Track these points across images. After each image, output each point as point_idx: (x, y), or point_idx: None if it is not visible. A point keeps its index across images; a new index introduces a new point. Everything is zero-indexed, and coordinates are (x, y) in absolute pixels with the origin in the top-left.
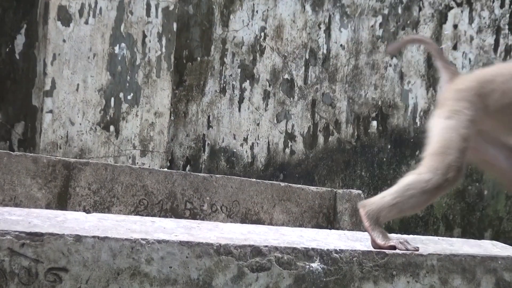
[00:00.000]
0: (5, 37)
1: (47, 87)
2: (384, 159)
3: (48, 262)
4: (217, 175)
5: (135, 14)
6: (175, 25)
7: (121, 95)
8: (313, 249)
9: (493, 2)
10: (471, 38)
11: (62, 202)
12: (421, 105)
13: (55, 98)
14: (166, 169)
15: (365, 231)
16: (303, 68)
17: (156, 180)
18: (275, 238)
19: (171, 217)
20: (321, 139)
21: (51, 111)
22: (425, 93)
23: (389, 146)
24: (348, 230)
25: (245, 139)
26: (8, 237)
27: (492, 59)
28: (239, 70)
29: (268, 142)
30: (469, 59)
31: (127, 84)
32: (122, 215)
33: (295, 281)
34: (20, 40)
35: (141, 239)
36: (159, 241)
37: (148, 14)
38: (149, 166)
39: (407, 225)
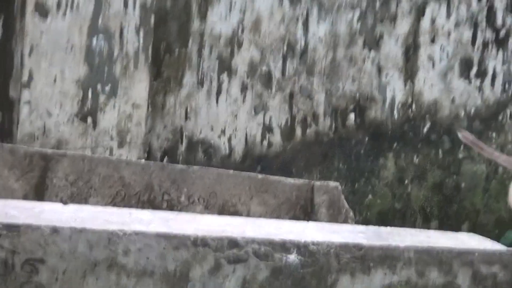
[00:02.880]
0: None
1: (25, 79)
2: (362, 152)
3: (25, 253)
4: (194, 167)
5: (113, 7)
6: (152, 18)
7: (99, 86)
8: (290, 241)
9: None
10: (449, 32)
11: (39, 193)
12: (398, 98)
13: (33, 89)
14: (143, 161)
15: (342, 223)
16: (281, 61)
17: (134, 172)
18: (252, 230)
19: (148, 208)
20: (298, 131)
21: (28, 103)
22: (403, 86)
23: (366, 139)
24: (325, 222)
25: (223, 131)
26: None
27: (470, 52)
28: (217, 62)
29: (246, 134)
30: (447, 52)
31: (105, 76)
32: (99, 206)
33: (272, 272)
34: None
35: (118, 230)
36: (136, 233)
37: (125, 7)
38: (127, 158)
39: (384, 217)
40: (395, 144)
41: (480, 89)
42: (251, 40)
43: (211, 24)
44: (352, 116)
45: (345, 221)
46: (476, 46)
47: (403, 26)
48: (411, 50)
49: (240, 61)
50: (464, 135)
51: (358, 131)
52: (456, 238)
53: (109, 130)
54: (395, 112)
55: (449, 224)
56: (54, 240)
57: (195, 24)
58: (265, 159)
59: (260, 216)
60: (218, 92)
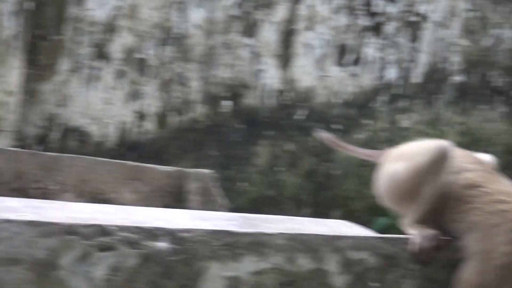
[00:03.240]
0: None
1: None
2: (236, 139)
3: None
4: (66, 154)
5: None
6: (29, 4)
7: None
8: (160, 228)
9: None
10: (326, 19)
11: None
12: (274, 85)
13: None
14: (13, 148)
15: (214, 210)
16: (157, 47)
17: (3, 159)
18: (123, 218)
19: (19, 196)
20: (173, 118)
21: None
22: (279, 73)
23: (241, 126)
24: (197, 209)
25: (97, 118)
26: None
27: (346, 39)
28: (93, 49)
29: (120, 121)
30: (323, 39)
31: None
32: None
33: (142, 260)
34: None
35: None
36: (5, 221)
37: None
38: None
39: (257, 205)
40: (269, 132)
41: (355, 76)
42: (128, 27)
43: (88, 10)
44: (227, 103)
45: (217, 208)
46: (352, 33)
47: (280, 12)
48: (287, 37)
49: (116, 48)
50: (323, 135)
51: (233, 118)
52: (326, 224)
53: None
54: (271, 99)
55: (321, 211)
56: None
57: (71, 10)
58: (139, 146)
59: (132, 203)
60: (93, 79)
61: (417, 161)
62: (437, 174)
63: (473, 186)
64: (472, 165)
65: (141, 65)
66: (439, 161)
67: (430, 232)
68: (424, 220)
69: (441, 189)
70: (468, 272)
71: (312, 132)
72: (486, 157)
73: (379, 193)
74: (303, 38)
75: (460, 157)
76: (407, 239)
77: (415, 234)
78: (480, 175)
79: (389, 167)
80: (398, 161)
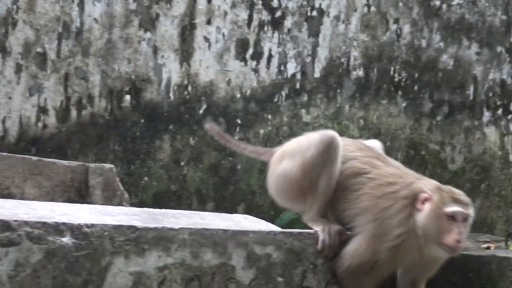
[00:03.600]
0: None
1: None
2: (138, 133)
3: None
4: None
5: None
6: None
7: None
8: (63, 223)
9: None
10: (225, 13)
11: None
12: (174, 79)
13: None
14: None
15: (118, 205)
16: (56, 41)
17: None
18: (25, 213)
19: None
20: (74, 113)
21: None
22: (179, 68)
23: (142, 120)
24: (100, 204)
25: None
26: None
27: (246, 34)
28: None
29: (20, 116)
30: (223, 34)
31: None
32: None
33: (46, 255)
34: None
35: None
36: None
37: None
38: None
39: (160, 199)
40: (171, 126)
41: (256, 70)
42: (26, 20)
43: None
44: (127, 97)
45: (120, 203)
46: (252, 28)
47: (179, 6)
48: (187, 31)
49: (15, 42)
50: (210, 126)
51: (134, 113)
52: (231, 219)
53: None
54: (171, 93)
55: (225, 205)
56: None
57: None
58: (40, 141)
59: (34, 198)
60: None
61: (305, 156)
62: (327, 165)
63: (359, 173)
64: (357, 152)
65: (41, 59)
66: (327, 152)
67: (333, 227)
68: (324, 214)
69: (333, 179)
70: (359, 250)
71: (216, 124)
72: (373, 143)
73: (273, 193)
74: (202, 32)
75: (346, 145)
76: (311, 234)
77: (319, 230)
78: (365, 162)
79: (278, 167)
80: (286, 159)
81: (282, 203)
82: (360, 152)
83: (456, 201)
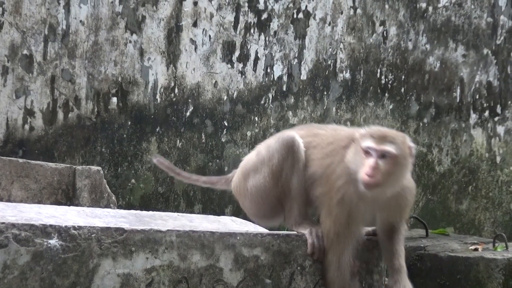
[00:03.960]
0: None
1: None
2: (124, 136)
3: None
4: None
5: None
6: None
7: None
8: (51, 225)
9: None
10: (211, 15)
11: None
12: (161, 81)
13: None
14: None
15: (105, 207)
16: (42, 44)
17: None
18: (12, 215)
19: None
20: (60, 115)
21: None
22: (165, 70)
23: (129, 123)
24: (87, 206)
25: None
26: None
27: (232, 36)
28: None
29: (7, 118)
30: (209, 36)
31: None
32: None
33: (33, 257)
34: None
35: None
36: None
37: None
38: None
39: (147, 202)
40: (158, 128)
41: (242, 73)
42: (12, 23)
43: None
44: (114, 100)
45: (107, 205)
46: (238, 30)
47: (166, 9)
48: (173, 34)
49: (1, 44)
50: (158, 160)
51: (121, 115)
52: (218, 221)
53: None
54: (158, 96)
55: (212, 207)
56: None
57: None
58: (27, 143)
59: (21, 201)
60: None
61: (272, 164)
62: (296, 165)
63: (308, 148)
64: (301, 131)
65: (27, 62)
66: (292, 152)
67: (320, 228)
68: (306, 215)
69: (302, 177)
70: (322, 218)
71: (203, 126)
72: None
73: (251, 215)
74: (189, 34)
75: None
76: (299, 235)
77: (306, 233)
78: (308, 136)
79: (246, 187)
80: (252, 176)
81: (263, 222)
82: (302, 131)
83: (373, 137)
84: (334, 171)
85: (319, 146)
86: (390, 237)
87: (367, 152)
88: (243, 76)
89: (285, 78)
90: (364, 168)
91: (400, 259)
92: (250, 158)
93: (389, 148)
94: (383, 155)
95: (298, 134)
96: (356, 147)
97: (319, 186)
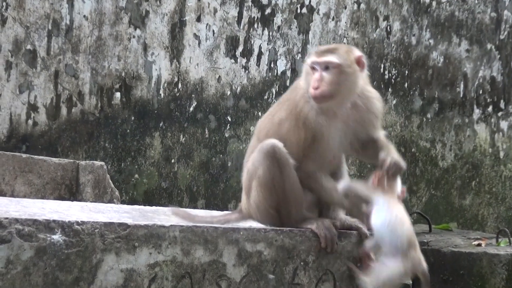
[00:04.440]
0: None
1: None
2: (128, 131)
3: None
4: None
5: None
6: None
7: None
8: (54, 221)
9: None
10: (215, 10)
11: None
12: (164, 76)
13: None
14: None
15: (108, 202)
16: (46, 39)
17: None
18: (16, 210)
19: None
20: (64, 110)
21: None
22: (169, 65)
23: (132, 118)
24: (90, 201)
25: None
26: None
27: (236, 31)
28: None
29: (11, 113)
30: (213, 31)
31: None
32: None
33: (37, 253)
34: None
35: None
36: None
37: None
38: None
39: (151, 197)
40: (161, 123)
41: (246, 68)
42: (16, 18)
43: None
44: (118, 95)
45: (110, 200)
46: (242, 25)
47: (169, 4)
48: (177, 29)
49: (4, 39)
50: (174, 211)
51: (124, 110)
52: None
53: None
54: (161, 91)
55: (215, 203)
56: None
57: None
58: (30, 138)
59: (24, 196)
60: None
61: (259, 177)
62: (285, 168)
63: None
64: (264, 122)
65: (31, 57)
66: (276, 159)
67: (325, 221)
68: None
69: (295, 176)
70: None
71: (206, 121)
72: None
73: (267, 224)
74: (192, 29)
75: None
76: (302, 231)
77: (314, 228)
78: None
79: (250, 206)
80: (248, 195)
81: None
82: (264, 122)
83: (316, 52)
84: (294, 104)
85: (277, 113)
86: (374, 146)
87: (313, 68)
88: (247, 71)
89: (288, 73)
90: (311, 83)
91: (386, 144)
92: (243, 176)
93: (330, 58)
94: (326, 66)
95: (265, 128)
96: (305, 69)
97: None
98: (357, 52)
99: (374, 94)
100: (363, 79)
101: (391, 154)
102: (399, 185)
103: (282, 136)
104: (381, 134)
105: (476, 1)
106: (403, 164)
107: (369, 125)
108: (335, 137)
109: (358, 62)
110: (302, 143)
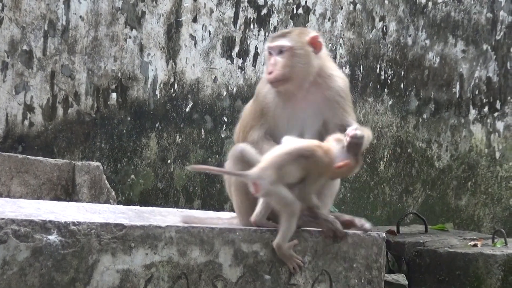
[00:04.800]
0: None
1: None
2: (124, 131)
3: None
4: None
5: None
6: None
7: None
8: (50, 221)
9: None
10: (211, 11)
11: None
12: (161, 77)
13: None
14: None
15: (104, 203)
16: (42, 39)
17: None
18: (12, 211)
19: None
20: (60, 111)
21: None
22: (165, 65)
23: (129, 118)
24: (87, 202)
25: None
26: None
27: (232, 31)
28: None
29: (7, 113)
30: (209, 31)
31: None
32: None
33: (33, 253)
34: None
35: None
36: None
37: None
38: None
39: (147, 197)
40: (157, 124)
41: (242, 68)
42: (12, 18)
43: None
44: (114, 95)
45: (106, 201)
46: (238, 25)
47: (165, 4)
48: (173, 29)
49: (0, 40)
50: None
51: (120, 111)
52: (217, 217)
53: None
54: (158, 91)
55: (212, 203)
56: None
57: None
58: (27, 139)
59: (20, 196)
60: None
61: (233, 184)
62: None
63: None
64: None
65: (27, 57)
66: (244, 162)
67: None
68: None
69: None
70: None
71: (202, 121)
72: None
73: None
74: (188, 30)
75: None
76: (297, 231)
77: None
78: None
79: (236, 214)
80: (233, 200)
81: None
82: (238, 128)
83: (271, 38)
84: (257, 92)
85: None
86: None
87: (269, 53)
88: (243, 72)
89: None
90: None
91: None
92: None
93: (282, 42)
94: (280, 50)
95: (238, 127)
96: (265, 55)
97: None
98: (311, 34)
99: (335, 72)
100: (321, 59)
101: (361, 128)
102: (343, 153)
103: (246, 128)
104: (353, 122)
105: (472, 2)
106: (365, 141)
107: (336, 107)
108: (293, 118)
109: (314, 43)
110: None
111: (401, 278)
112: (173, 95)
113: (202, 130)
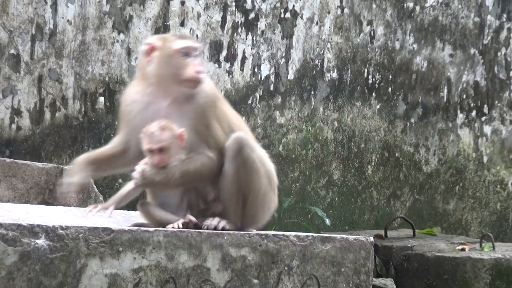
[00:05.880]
0: None
1: None
2: (112, 135)
3: None
4: None
5: None
6: None
7: None
8: (38, 225)
9: None
10: (199, 15)
11: None
12: None
13: None
14: None
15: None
16: (30, 43)
17: None
18: (0, 215)
19: None
20: (48, 115)
21: None
22: None
23: (116, 122)
24: (74, 206)
25: None
26: None
27: (220, 36)
28: None
29: None
30: (197, 35)
31: None
32: None
33: (21, 257)
34: None
35: None
36: None
37: None
38: None
39: (135, 201)
40: None
41: (229, 72)
42: None
43: None
44: (101, 99)
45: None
46: (225, 29)
47: (153, 8)
48: (160, 33)
49: None
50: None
51: (108, 115)
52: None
53: None
54: None
55: None
56: None
57: None
58: (14, 143)
59: (8, 200)
60: None
61: None
62: None
63: None
64: None
65: (14, 61)
66: None
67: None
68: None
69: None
70: None
71: None
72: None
73: None
74: (176, 34)
75: None
76: (286, 235)
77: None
78: None
79: None
80: None
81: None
82: None
83: (183, 37)
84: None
85: None
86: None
87: (185, 52)
88: (230, 76)
89: (272, 78)
90: (192, 67)
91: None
92: None
93: (200, 45)
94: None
95: None
96: (164, 52)
97: None
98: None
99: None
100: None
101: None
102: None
103: None
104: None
105: (460, 6)
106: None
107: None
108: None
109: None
110: None
111: (389, 283)
112: None
113: None
